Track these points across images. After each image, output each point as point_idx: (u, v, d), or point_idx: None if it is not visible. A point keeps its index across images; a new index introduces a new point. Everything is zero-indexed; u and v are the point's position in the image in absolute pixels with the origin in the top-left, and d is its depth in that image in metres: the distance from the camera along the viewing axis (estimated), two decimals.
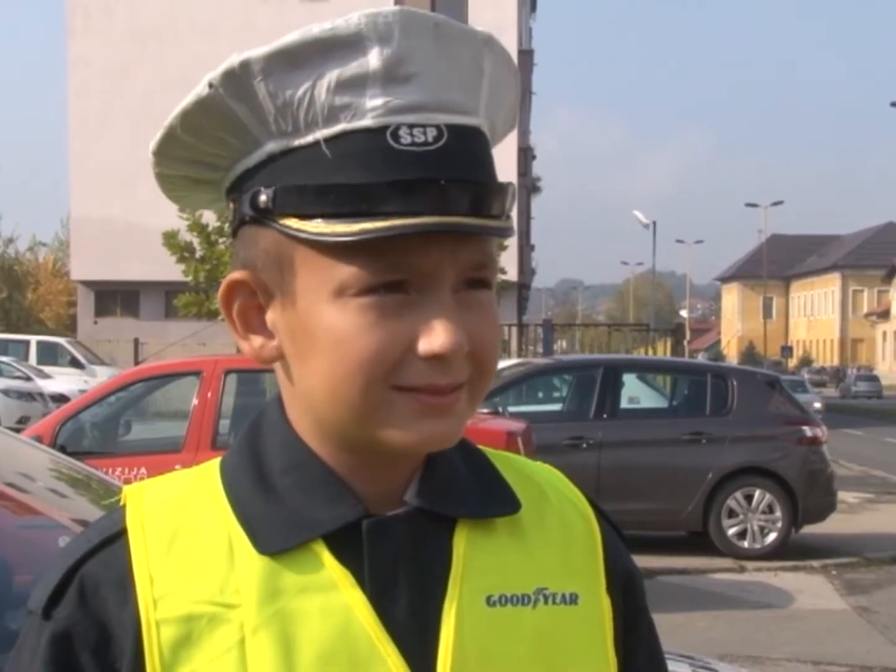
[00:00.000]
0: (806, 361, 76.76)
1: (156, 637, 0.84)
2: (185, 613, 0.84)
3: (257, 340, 0.90)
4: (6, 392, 19.99)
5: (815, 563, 10.05)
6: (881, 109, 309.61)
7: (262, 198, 0.85)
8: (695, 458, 10.14)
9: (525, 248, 39.87)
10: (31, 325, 43.90)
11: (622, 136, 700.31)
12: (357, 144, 0.82)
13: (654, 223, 44.35)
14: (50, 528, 2.63)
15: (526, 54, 37.24)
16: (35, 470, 2.93)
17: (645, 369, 12.48)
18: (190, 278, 15.41)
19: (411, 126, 0.83)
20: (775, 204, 57.16)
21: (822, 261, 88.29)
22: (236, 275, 0.89)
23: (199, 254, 15.32)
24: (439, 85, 0.84)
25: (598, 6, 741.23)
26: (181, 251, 15.28)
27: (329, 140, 0.83)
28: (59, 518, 2.71)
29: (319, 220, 0.82)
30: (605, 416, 10.35)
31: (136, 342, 25.60)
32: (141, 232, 31.16)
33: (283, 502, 0.88)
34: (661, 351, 21.71)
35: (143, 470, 7.05)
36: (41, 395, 21.00)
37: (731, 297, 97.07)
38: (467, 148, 0.85)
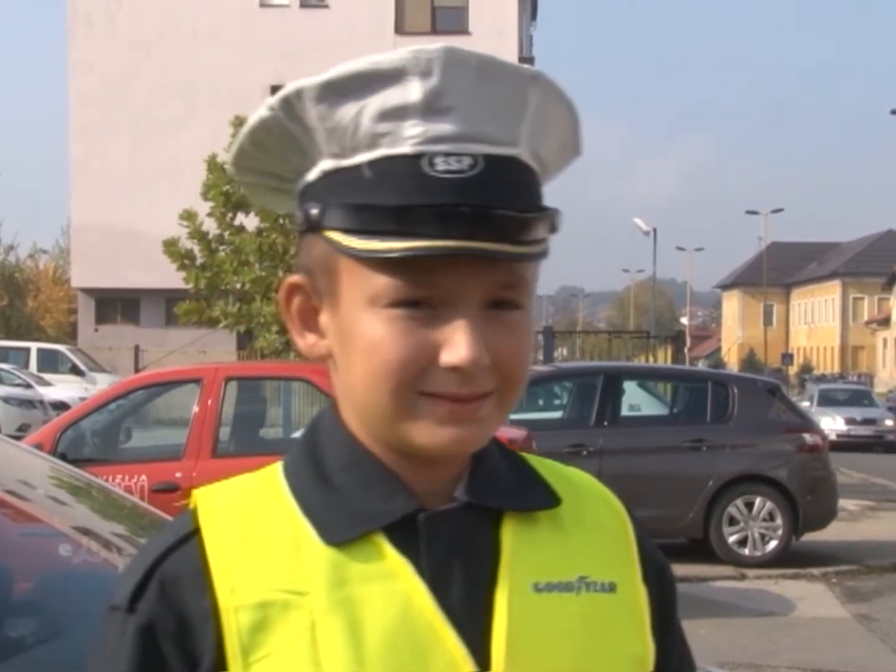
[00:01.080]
0: (806, 369, 76.59)
1: (234, 622, 0.90)
2: (260, 600, 0.91)
3: (311, 338, 0.99)
4: (6, 399, 20.03)
5: (816, 571, 10.05)
6: (881, 117, 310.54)
7: (313, 212, 0.94)
8: (695, 466, 10.15)
9: None
10: (31, 332, 43.95)
11: (623, 143, 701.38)
12: (395, 169, 0.90)
13: (655, 230, 44.37)
14: (50, 536, 2.63)
15: (526, 61, 37.33)
16: (35, 477, 2.93)
17: (645, 377, 12.48)
18: (190, 286, 15.41)
19: (447, 154, 0.89)
20: (775, 211, 57.21)
21: (823, 268, 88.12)
22: (295, 278, 0.99)
23: (199, 261, 15.33)
24: (476, 117, 0.91)
25: (598, 13, 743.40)
26: (181, 259, 15.28)
27: (370, 163, 0.91)
28: (59, 526, 2.71)
29: (358, 236, 0.90)
30: (605, 423, 10.35)
31: (137, 349, 25.62)
32: (141, 239, 31.18)
33: (344, 497, 0.95)
34: (662, 358, 21.66)
35: (143, 477, 7.05)
36: (41, 402, 21.03)
37: (732, 304, 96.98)
38: (501, 177, 0.91)
